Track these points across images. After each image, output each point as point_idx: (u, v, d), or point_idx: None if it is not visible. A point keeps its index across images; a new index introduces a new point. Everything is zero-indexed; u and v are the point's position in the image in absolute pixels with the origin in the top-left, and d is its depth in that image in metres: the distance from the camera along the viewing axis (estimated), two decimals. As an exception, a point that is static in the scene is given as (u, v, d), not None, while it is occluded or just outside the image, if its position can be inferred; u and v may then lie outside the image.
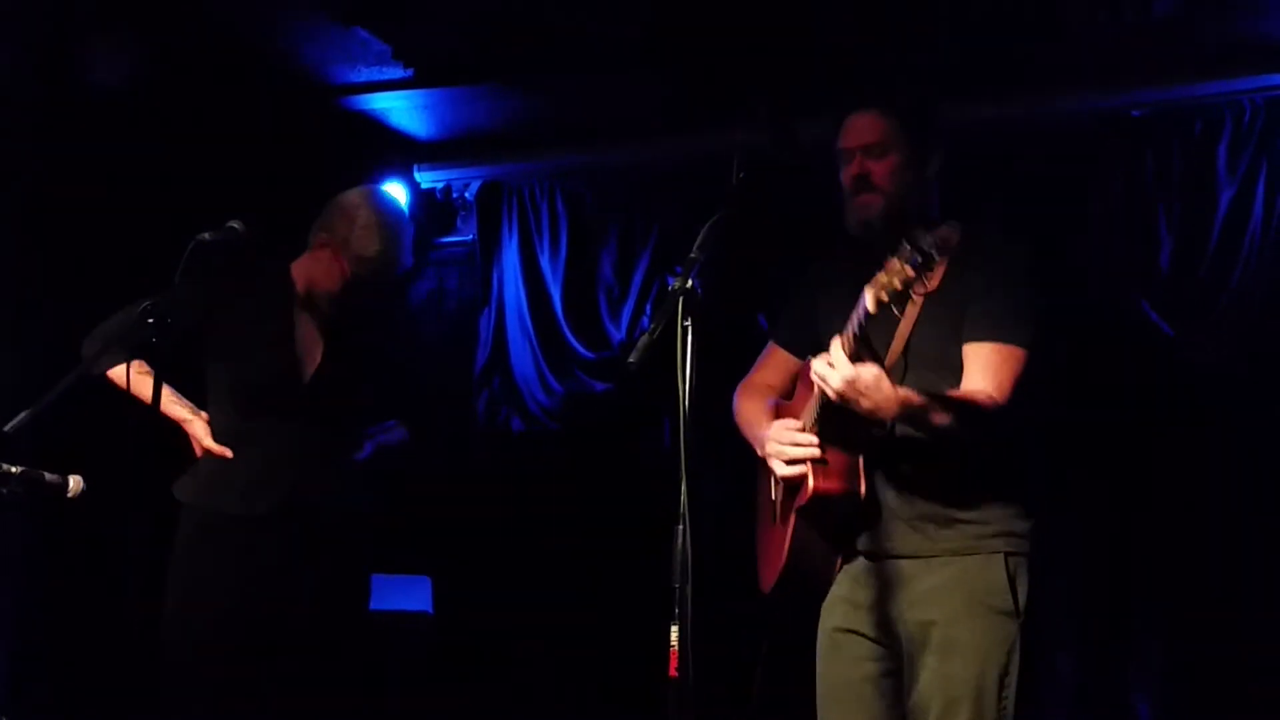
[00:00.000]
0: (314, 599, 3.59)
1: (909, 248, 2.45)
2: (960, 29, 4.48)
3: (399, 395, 3.99)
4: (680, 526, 2.46)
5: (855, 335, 2.64)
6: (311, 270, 3.69)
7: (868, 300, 2.53)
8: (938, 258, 2.45)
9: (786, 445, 2.84)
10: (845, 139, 2.97)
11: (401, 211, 3.71)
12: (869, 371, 2.64)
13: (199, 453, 3.61)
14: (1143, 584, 4.68)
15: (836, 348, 2.65)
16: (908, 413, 2.71)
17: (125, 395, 3.54)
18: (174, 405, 3.57)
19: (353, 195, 3.68)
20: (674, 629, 2.45)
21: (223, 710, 3.53)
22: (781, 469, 2.86)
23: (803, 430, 2.85)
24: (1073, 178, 4.83)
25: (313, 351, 3.67)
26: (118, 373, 3.55)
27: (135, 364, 3.51)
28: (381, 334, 3.93)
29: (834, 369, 2.64)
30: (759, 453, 2.99)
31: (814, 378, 2.71)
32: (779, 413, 3.08)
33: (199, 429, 3.58)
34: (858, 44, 4.54)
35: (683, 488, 2.45)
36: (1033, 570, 2.87)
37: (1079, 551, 4.72)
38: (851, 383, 2.62)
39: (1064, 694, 4.69)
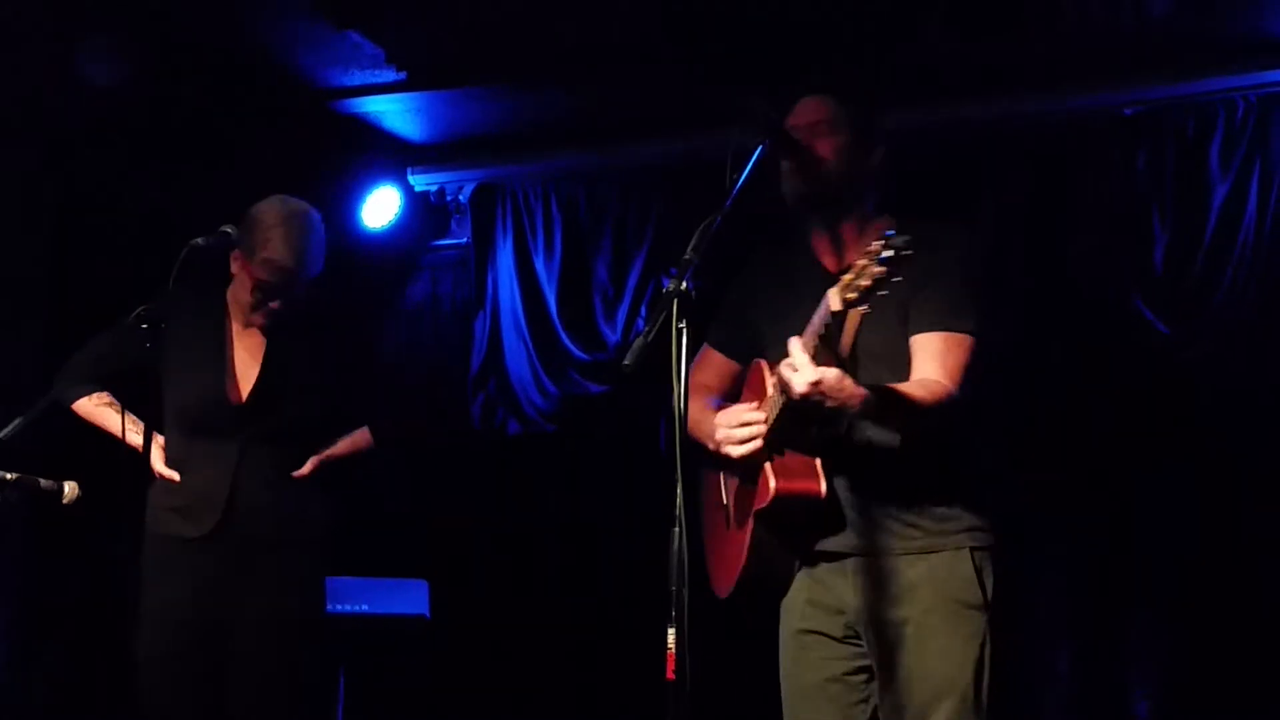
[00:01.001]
0: (260, 614, 3.57)
1: (878, 245, 2.41)
2: (953, 27, 4.48)
3: (367, 400, 3.90)
4: (677, 529, 2.45)
5: (819, 336, 2.62)
6: (235, 289, 3.69)
7: (832, 301, 2.51)
8: (908, 255, 2.41)
9: (736, 427, 2.84)
10: (793, 117, 2.98)
11: (307, 214, 3.64)
12: (832, 373, 2.62)
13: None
14: (1140, 583, 4.68)
15: (798, 349, 2.62)
16: (869, 409, 2.69)
17: (90, 427, 3.62)
18: (133, 434, 3.54)
19: (259, 204, 3.64)
20: (671, 632, 2.45)
21: None
22: (736, 450, 2.84)
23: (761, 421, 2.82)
24: (1066, 176, 4.83)
25: (249, 371, 3.67)
26: (82, 405, 3.66)
27: (98, 396, 3.65)
28: (334, 342, 3.82)
29: (797, 372, 2.62)
30: (709, 447, 2.95)
31: (775, 380, 2.69)
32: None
33: (154, 455, 3.60)
34: (851, 42, 4.54)
35: (678, 490, 2.45)
36: (999, 562, 2.87)
37: (1076, 551, 4.72)
38: (816, 384, 2.60)
39: (1062, 694, 4.69)
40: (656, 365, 2.51)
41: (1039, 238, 4.78)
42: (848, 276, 2.48)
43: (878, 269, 2.40)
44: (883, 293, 2.44)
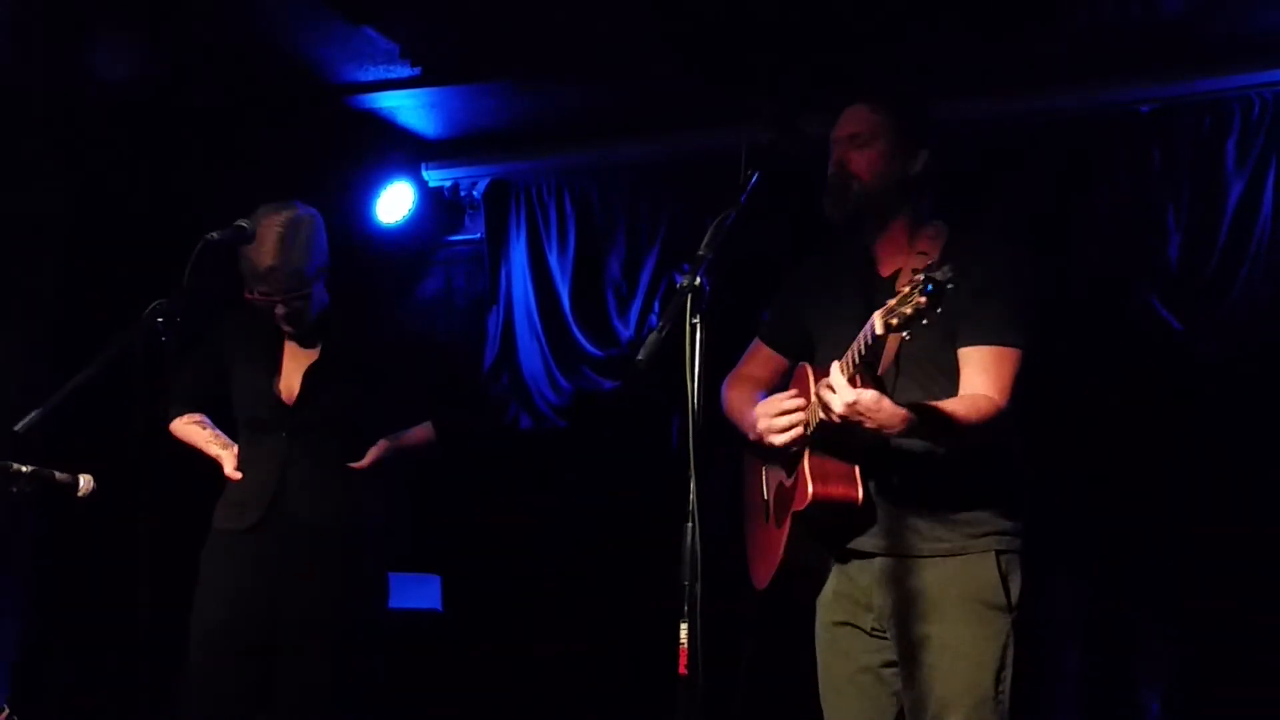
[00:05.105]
0: (310, 604, 3.69)
1: (922, 276, 2.41)
2: (968, 24, 4.48)
3: (414, 397, 4.00)
4: (689, 524, 2.46)
5: (855, 360, 2.65)
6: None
7: (876, 325, 2.52)
8: (951, 288, 2.42)
9: (776, 416, 2.87)
10: (836, 129, 3.02)
11: (286, 215, 3.64)
12: (869, 395, 2.65)
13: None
14: (1151, 579, 4.66)
15: (836, 372, 2.66)
16: (913, 428, 2.72)
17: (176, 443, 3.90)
18: (211, 444, 3.87)
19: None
20: (684, 627, 2.45)
21: (235, 712, 3.69)
22: (777, 439, 2.88)
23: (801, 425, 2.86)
24: (1081, 174, 4.82)
25: (297, 374, 3.81)
26: (174, 426, 3.92)
27: (189, 416, 3.91)
28: (375, 342, 3.94)
29: (834, 393, 2.65)
30: (750, 436, 3.01)
31: (814, 400, 2.72)
32: None
33: (227, 461, 3.81)
34: (863, 38, 4.53)
35: (692, 485, 2.46)
36: (1024, 565, 2.90)
37: (1085, 547, 4.71)
38: (852, 405, 2.64)
39: (1072, 692, 4.68)
40: (669, 361, 2.51)
41: (1054, 235, 4.77)
42: (891, 302, 2.49)
43: (921, 299, 2.41)
44: (925, 321, 2.44)
